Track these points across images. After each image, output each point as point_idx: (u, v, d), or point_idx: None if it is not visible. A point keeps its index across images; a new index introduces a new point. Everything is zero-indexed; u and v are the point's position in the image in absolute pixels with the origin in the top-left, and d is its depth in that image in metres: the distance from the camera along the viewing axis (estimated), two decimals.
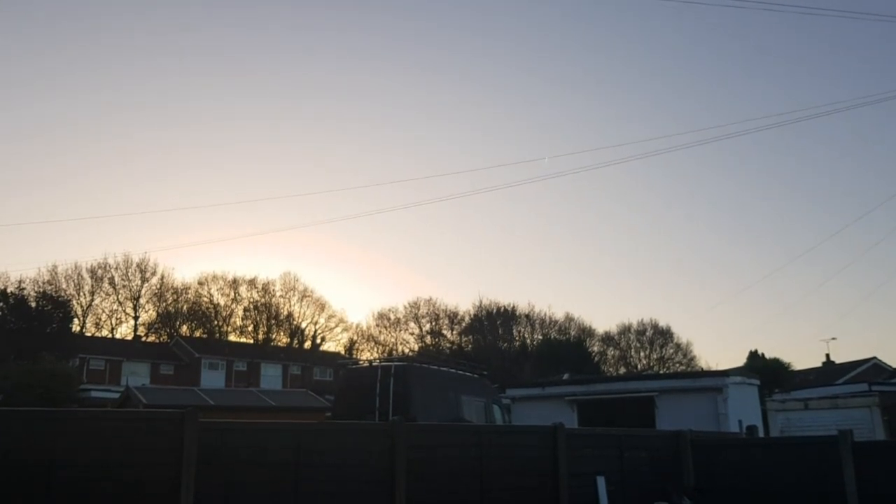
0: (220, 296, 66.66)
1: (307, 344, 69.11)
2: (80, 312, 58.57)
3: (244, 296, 67.21)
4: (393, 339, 68.94)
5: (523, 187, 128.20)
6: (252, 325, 67.06)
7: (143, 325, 63.94)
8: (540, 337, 66.13)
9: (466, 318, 68.14)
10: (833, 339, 61.61)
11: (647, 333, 69.37)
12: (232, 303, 67.06)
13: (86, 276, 59.52)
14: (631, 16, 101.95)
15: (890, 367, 39.97)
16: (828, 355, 47.06)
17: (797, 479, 11.76)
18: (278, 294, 68.01)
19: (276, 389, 44.41)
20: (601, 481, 12.09)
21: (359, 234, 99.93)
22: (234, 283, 66.74)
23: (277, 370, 61.58)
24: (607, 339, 70.01)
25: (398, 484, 10.11)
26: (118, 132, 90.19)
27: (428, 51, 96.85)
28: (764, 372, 30.88)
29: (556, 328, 67.68)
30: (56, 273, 56.89)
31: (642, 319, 69.63)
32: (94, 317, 61.29)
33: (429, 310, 69.18)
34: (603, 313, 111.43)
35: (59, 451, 8.43)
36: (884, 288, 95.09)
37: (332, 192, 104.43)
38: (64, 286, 56.86)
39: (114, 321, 62.48)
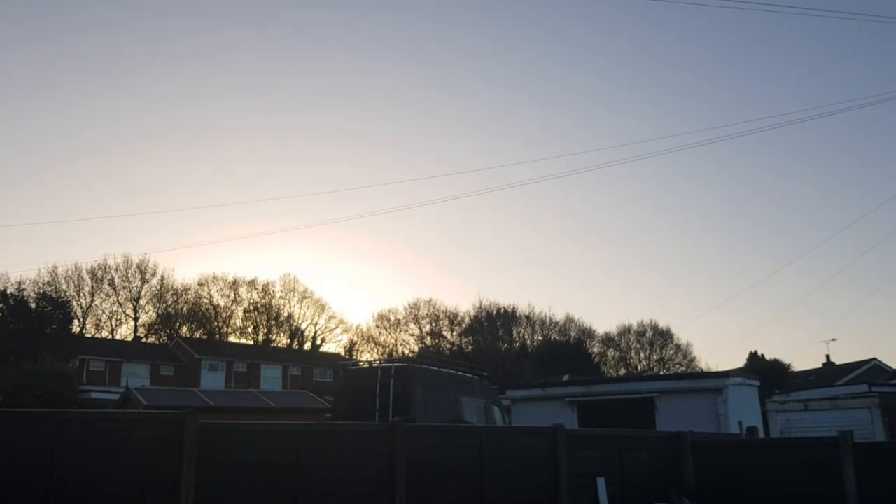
0: (220, 297, 66.71)
1: (307, 345, 69.16)
2: (80, 313, 58.64)
3: (244, 297, 67.25)
4: (393, 341, 69.03)
5: (524, 188, 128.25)
6: (252, 327, 67.08)
7: (143, 326, 64.05)
8: (540, 338, 66.16)
9: (466, 320, 68.25)
10: (833, 340, 61.78)
11: (647, 334, 69.46)
12: (232, 304, 67.10)
13: (86, 277, 59.61)
14: (632, 17, 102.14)
15: (890, 368, 39.96)
16: (828, 356, 47.19)
17: (797, 480, 11.75)
18: (278, 295, 68.09)
19: (275, 391, 44.40)
20: (601, 482, 12.10)
21: (359, 236, 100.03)
22: (234, 285, 66.79)
23: (277, 371, 61.59)
24: (607, 340, 70.14)
25: (398, 485, 10.11)
26: (118, 133, 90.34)
27: (426, 52, 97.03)
28: (764, 373, 30.89)
29: (557, 329, 67.78)
30: (56, 274, 56.99)
31: (642, 320, 69.81)
32: (94, 318, 61.39)
33: (429, 311, 69.29)
34: (603, 314, 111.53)
35: (59, 451, 8.43)
36: (884, 289, 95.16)
37: (332, 193, 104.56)
38: (64, 287, 56.95)
39: (114, 322, 62.61)
